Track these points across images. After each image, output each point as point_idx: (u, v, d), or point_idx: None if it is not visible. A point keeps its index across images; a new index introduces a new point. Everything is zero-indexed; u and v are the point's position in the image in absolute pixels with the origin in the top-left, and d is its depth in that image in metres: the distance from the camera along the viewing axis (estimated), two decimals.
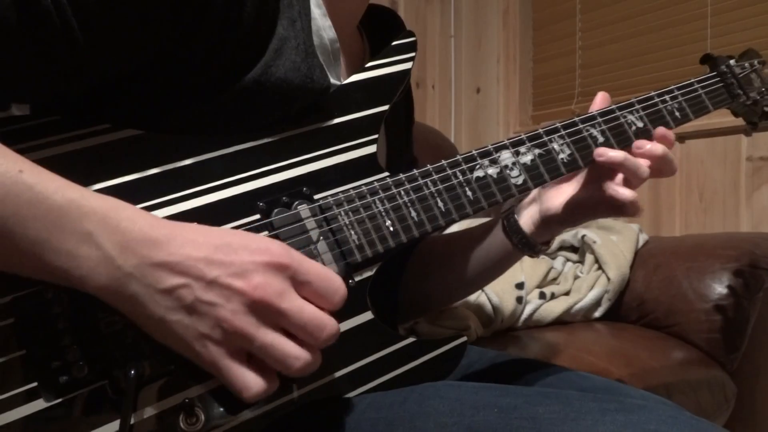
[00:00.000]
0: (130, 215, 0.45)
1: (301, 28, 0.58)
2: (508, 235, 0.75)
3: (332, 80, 0.62)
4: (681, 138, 1.72)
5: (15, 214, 0.42)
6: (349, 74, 0.68)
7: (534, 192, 0.75)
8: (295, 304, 0.45)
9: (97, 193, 0.46)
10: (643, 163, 0.67)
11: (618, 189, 0.67)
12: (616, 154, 0.66)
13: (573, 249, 1.53)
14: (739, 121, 0.84)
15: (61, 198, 0.43)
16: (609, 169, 0.68)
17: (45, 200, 0.43)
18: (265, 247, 0.46)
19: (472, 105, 2.36)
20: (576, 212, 0.72)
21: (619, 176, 0.68)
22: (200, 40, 0.52)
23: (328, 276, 0.47)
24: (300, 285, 0.46)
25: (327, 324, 0.46)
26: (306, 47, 0.57)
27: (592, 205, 0.71)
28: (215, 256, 0.45)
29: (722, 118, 1.59)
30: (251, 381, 0.45)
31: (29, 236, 0.42)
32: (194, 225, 0.48)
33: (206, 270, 0.44)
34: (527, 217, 0.75)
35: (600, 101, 0.72)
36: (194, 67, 0.53)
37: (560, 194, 0.73)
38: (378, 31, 0.77)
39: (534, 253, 0.76)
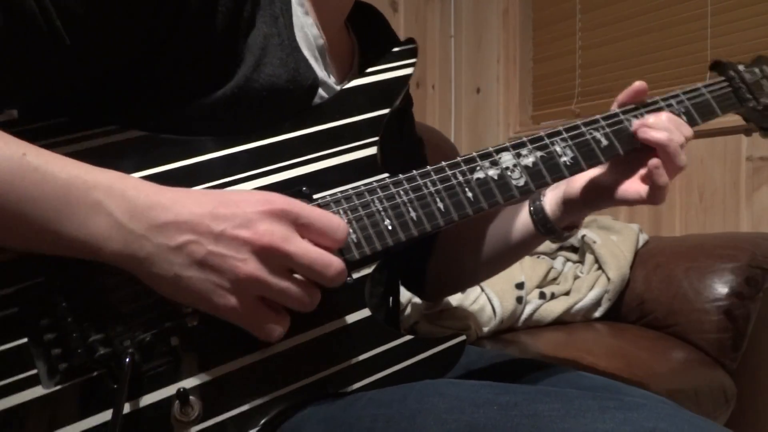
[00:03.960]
0: (134, 184, 0.48)
1: (284, 25, 0.59)
2: (532, 217, 0.76)
3: (320, 75, 0.62)
4: None
5: (24, 195, 0.44)
6: (339, 70, 0.69)
7: None
8: (301, 246, 0.48)
9: (100, 168, 0.48)
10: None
11: (660, 171, 0.65)
12: (659, 132, 0.65)
13: (573, 249, 1.53)
14: (739, 121, 0.84)
15: (67, 175, 0.46)
16: (637, 157, 0.67)
17: (51, 179, 0.45)
18: (264, 198, 0.49)
19: (472, 105, 2.36)
20: (598, 195, 0.71)
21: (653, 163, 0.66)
22: (181, 36, 0.53)
23: (327, 216, 0.50)
24: (303, 228, 0.49)
25: (333, 261, 0.49)
26: (290, 42, 0.59)
27: (616, 189, 0.70)
28: (219, 211, 0.47)
29: (722, 118, 1.59)
30: (273, 325, 0.49)
31: (41, 215, 0.45)
32: (196, 189, 0.50)
33: (213, 224, 0.47)
34: (551, 198, 0.75)
35: (636, 90, 0.70)
36: (182, 64, 0.54)
37: (584, 175, 0.72)
38: (364, 27, 0.78)
39: (556, 237, 0.76)
